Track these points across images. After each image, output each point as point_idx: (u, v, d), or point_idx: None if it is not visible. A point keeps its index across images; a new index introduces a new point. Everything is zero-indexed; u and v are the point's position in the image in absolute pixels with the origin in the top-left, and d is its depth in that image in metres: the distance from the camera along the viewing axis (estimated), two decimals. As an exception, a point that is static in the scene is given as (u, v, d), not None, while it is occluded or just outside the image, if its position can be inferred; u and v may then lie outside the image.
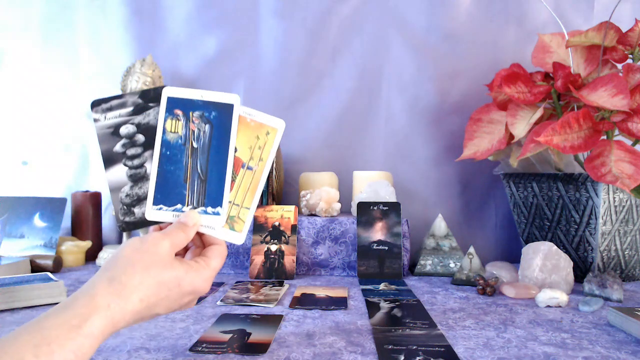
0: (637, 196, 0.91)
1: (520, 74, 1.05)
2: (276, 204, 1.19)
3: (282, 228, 1.07)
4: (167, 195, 0.53)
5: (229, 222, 0.54)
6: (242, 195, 0.55)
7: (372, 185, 1.14)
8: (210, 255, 0.51)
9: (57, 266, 1.07)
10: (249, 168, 0.55)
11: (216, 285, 0.94)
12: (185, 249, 0.55)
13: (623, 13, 1.26)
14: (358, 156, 1.35)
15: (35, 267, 1.04)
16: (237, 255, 1.08)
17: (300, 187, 1.24)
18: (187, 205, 0.53)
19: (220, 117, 0.54)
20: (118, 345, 0.59)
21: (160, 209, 0.53)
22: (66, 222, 1.23)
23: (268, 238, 1.06)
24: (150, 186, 0.53)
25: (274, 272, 1.02)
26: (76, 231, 1.24)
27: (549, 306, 0.81)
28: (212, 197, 0.53)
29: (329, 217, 1.11)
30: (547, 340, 0.63)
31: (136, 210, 0.55)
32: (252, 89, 1.35)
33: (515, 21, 1.33)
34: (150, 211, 0.53)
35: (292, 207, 1.10)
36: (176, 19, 1.35)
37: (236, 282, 0.97)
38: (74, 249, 1.14)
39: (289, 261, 1.03)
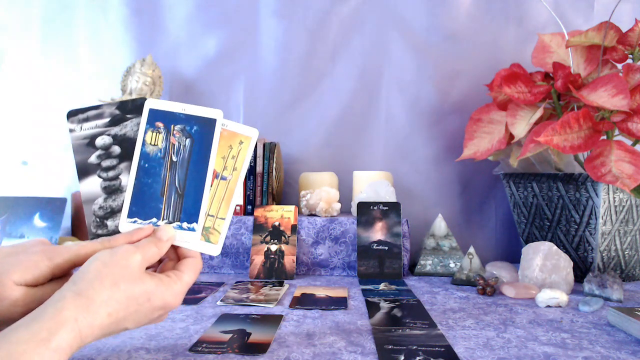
0: (637, 196, 0.91)
1: (520, 74, 1.05)
2: (276, 204, 1.19)
3: (282, 228, 1.07)
4: (143, 208, 0.52)
5: (205, 234, 0.53)
6: (217, 205, 0.54)
7: (372, 185, 1.14)
8: (183, 269, 0.50)
9: (57, 266, 1.07)
10: (222, 178, 0.55)
11: (216, 285, 0.94)
12: (159, 261, 0.53)
13: (623, 13, 1.26)
14: (358, 156, 1.35)
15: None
16: (237, 255, 1.08)
17: (300, 187, 1.24)
18: (163, 220, 0.52)
19: (201, 131, 0.54)
20: (118, 345, 0.59)
21: (134, 222, 0.52)
22: (66, 222, 1.23)
23: (268, 238, 1.06)
24: (126, 198, 0.52)
25: (274, 272, 1.02)
26: (76, 231, 1.24)
27: (549, 306, 0.81)
28: (189, 213, 0.53)
29: (329, 217, 1.11)
30: (547, 340, 0.63)
31: (109, 223, 0.54)
32: (252, 89, 1.35)
33: (515, 21, 1.33)
34: (124, 224, 0.52)
35: (292, 207, 1.10)
36: (176, 19, 1.35)
37: (236, 282, 0.97)
38: (74, 249, 1.14)
39: (289, 261, 1.03)
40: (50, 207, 1.18)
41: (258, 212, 1.10)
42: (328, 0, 1.33)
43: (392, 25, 1.33)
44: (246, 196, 1.18)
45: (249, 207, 1.18)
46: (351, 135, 1.35)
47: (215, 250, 0.53)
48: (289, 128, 1.35)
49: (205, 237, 0.53)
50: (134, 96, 1.23)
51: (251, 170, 1.18)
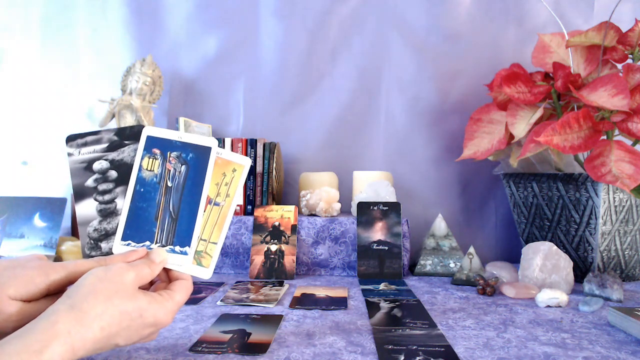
0: (637, 196, 0.91)
1: (520, 74, 1.05)
2: (276, 204, 1.19)
3: (282, 228, 1.07)
4: (137, 231, 0.54)
5: (196, 257, 0.55)
6: (210, 230, 0.56)
7: (372, 185, 1.14)
8: (175, 289, 0.51)
9: (57, 266, 1.07)
10: (216, 204, 0.56)
11: (216, 285, 0.94)
12: (150, 283, 0.55)
13: (623, 13, 1.26)
14: (358, 156, 1.35)
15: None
16: (237, 255, 1.08)
17: (300, 187, 1.24)
18: (156, 243, 0.54)
19: (196, 159, 0.56)
20: (118, 345, 0.59)
21: (128, 244, 0.53)
22: (66, 222, 1.23)
23: (268, 238, 1.06)
24: (121, 221, 0.54)
25: (274, 272, 1.02)
26: (76, 231, 1.24)
27: (549, 306, 0.81)
28: (182, 237, 0.54)
29: (329, 217, 1.11)
30: (547, 340, 0.63)
31: (103, 245, 0.55)
32: (252, 89, 1.35)
33: (515, 21, 1.33)
34: (118, 246, 0.53)
35: (292, 207, 1.10)
36: (176, 19, 1.35)
37: (236, 282, 0.97)
38: (74, 249, 1.14)
39: (289, 261, 1.03)
40: (50, 207, 1.18)
41: (258, 212, 1.10)
42: (328, 1, 1.33)
43: (392, 25, 1.33)
44: (246, 196, 1.18)
45: (249, 207, 1.18)
46: (351, 135, 1.35)
47: (206, 273, 0.55)
48: (289, 128, 1.35)
49: (197, 261, 0.55)
50: (133, 96, 1.23)
51: (251, 170, 1.18)
